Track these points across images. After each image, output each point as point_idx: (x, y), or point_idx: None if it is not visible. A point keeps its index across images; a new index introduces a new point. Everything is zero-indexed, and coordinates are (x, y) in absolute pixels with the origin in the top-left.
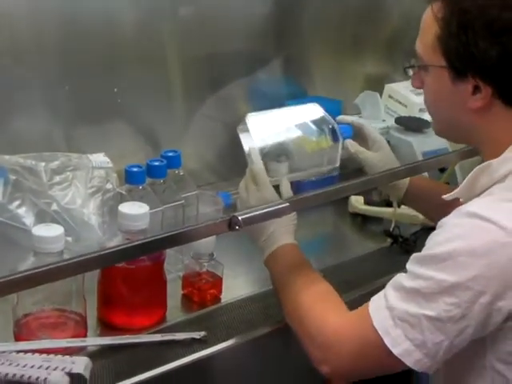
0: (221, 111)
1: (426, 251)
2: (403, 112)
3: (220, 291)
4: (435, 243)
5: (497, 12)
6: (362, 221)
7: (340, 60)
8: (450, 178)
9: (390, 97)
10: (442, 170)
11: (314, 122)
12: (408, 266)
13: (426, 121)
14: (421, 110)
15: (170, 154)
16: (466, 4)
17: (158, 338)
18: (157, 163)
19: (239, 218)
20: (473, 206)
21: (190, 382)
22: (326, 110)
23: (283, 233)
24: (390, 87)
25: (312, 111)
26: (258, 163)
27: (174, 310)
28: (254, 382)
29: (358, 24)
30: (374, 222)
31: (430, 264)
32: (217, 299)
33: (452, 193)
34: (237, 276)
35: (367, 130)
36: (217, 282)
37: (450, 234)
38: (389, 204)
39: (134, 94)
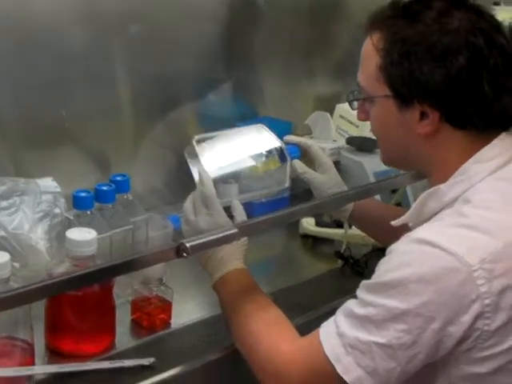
0: (170, 135)
1: (375, 278)
2: (354, 132)
3: (169, 316)
4: (385, 270)
5: (437, 37)
6: (313, 242)
7: (291, 81)
8: (402, 198)
9: (341, 117)
10: (394, 191)
11: (261, 142)
12: (358, 293)
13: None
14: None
15: (119, 179)
16: (405, 32)
17: (106, 365)
18: (105, 188)
19: (187, 244)
20: (422, 232)
21: None
22: (275, 131)
23: (233, 258)
24: (341, 107)
25: (259, 132)
26: (209, 186)
27: (123, 335)
28: None
29: (309, 45)
30: (325, 243)
31: (380, 291)
32: (166, 324)
33: (400, 218)
34: (186, 300)
35: (314, 151)
36: (166, 307)
37: (400, 261)
38: (340, 225)
39: (82, 117)
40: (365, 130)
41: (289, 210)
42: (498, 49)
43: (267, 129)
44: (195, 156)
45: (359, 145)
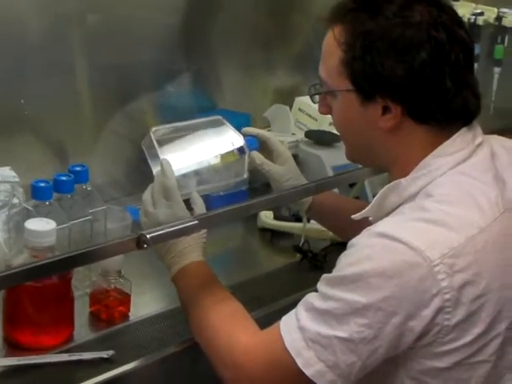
0: (128, 125)
1: (336, 272)
2: (313, 126)
3: (128, 308)
4: (345, 264)
5: (400, 30)
6: (272, 236)
7: (250, 73)
8: (360, 192)
9: (300, 110)
10: (352, 185)
11: (219, 134)
12: (318, 286)
13: (337, 135)
14: (331, 124)
15: (78, 169)
16: (367, 26)
17: (65, 357)
18: (64, 178)
19: (147, 236)
20: (382, 226)
21: None
22: (233, 123)
23: (192, 250)
24: (300, 100)
25: (217, 124)
26: (171, 178)
27: (82, 328)
28: None
29: (268, 37)
30: (284, 237)
31: (341, 285)
32: (125, 317)
33: (361, 212)
34: (145, 292)
35: (273, 142)
36: (125, 300)
37: (360, 255)
38: (298, 219)
39: (41, 106)
40: (324, 123)
41: (248, 203)
42: (459, 44)
43: (225, 121)
44: (153, 148)
45: (318, 138)
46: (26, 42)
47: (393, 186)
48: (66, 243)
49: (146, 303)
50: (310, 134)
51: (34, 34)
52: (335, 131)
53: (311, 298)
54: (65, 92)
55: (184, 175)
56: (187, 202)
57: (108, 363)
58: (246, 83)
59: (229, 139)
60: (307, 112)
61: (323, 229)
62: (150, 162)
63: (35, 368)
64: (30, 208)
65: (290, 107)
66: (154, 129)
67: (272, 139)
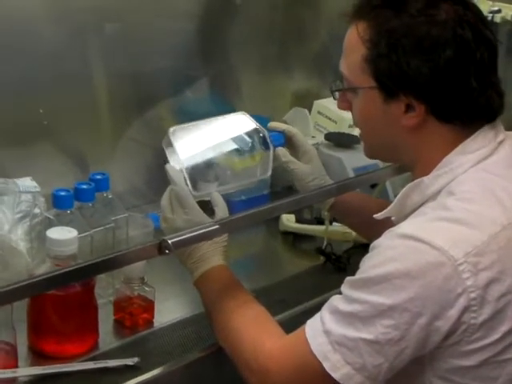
0: (148, 132)
1: (360, 274)
2: (333, 128)
3: (152, 315)
4: (369, 266)
5: (425, 29)
6: (294, 239)
7: (268, 77)
8: (381, 193)
9: (320, 113)
10: (373, 186)
11: (243, 131)
12: (343, 289)
13: (356, 136)
14: (350, 126)
15: (99, 177)
16: (392, 24)
17: (90, 365)
18: (85, 186)
19: (169, 241)
20: (404, 227)
21: None
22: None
23: (213, 254)
24: (318, 103)
25: (240, 121)
26: (181, 186)
27: (107, 336)
28: None
29: (286, 40)
30: (306, 240)
31: (365, 287)
32: (149, 323)
33: (383, 212)
34: (169, 299)
35: (299, 139)
36: (149, 306)
37: (384, 257)
38: (320, 222)
39: (60, 115)
40: (343, 125)
41: (269, 205)
42: (484, 42)
43: (249, 116)
44: (171, 146)
45: (338, 141)
46: (43, 52)
47: (415, 184)
48: (88, 251)
49: (170, 309)
50: (329, 137)
51: (51, 43)
52: (355, 133)
53: (335, 300)
54: (83, 100)
55: (203, 174)
56: (209, 203)
57: (133, 370)
58: (264, 87)
59: (253, 135)
60: (326, 115)
61: (346, 231)
62: (170, 161)
63: (60, 376)
64: (51, 217)
65: (309, 110)
66: (172, 128)
67: (298, 135)
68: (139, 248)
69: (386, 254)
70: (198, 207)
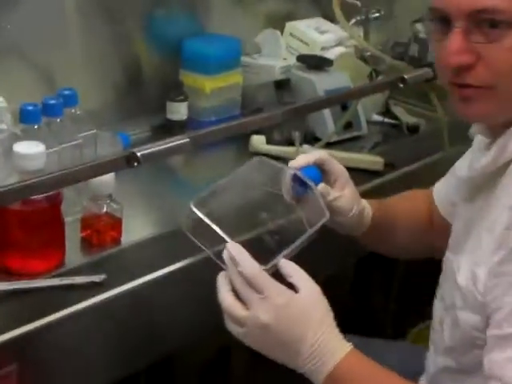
0: (118, 48)
1: None
2: (305, 50)
3: (120, 233)
4: None
5: None
6: None
7: None
8: (353, 116)
9: (292, 35)
10: (344, 108)
11: (272, 178)
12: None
13: (328, 59)
14: (323, 49)
15: (67, 92)
16: None
17: (56, 282)
18: (53, 101)
19: (138, 154)
20: None
21: (90, 326)
22: (222, 48)
23: (332, 338)
24: (291, 25)
25: (261, 165)
26: (246, 262)
27: (73, 253)
28: (157, 324)
29: None
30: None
31: None
32: (117, 241)
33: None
34: (137, 216)
35: (329, 163)
36: (116, 224)
37: None
38: (291, 143)
39: (28, 30)
40: (315, 48)
41: (240, 121)
42: None
43: (269, 160)
44: (198, 227)
45: (310, 63)
46: None
47: None
48: (56, 168)
49: (138, 227)
50: (301, 59)
51: None
52: (327, 56)
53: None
54: (51, 15)
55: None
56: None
57: (100, 287)
58: (236, 7)
59: (285, 180)
60: (299, 37)
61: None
62: (199, 244)
63: (27, 293)
64: (18, 133)
65: (281, 32)
66: (192, 202)
67: (329, 160)
68: (107, 160)
69: None
70: (275, 283)
